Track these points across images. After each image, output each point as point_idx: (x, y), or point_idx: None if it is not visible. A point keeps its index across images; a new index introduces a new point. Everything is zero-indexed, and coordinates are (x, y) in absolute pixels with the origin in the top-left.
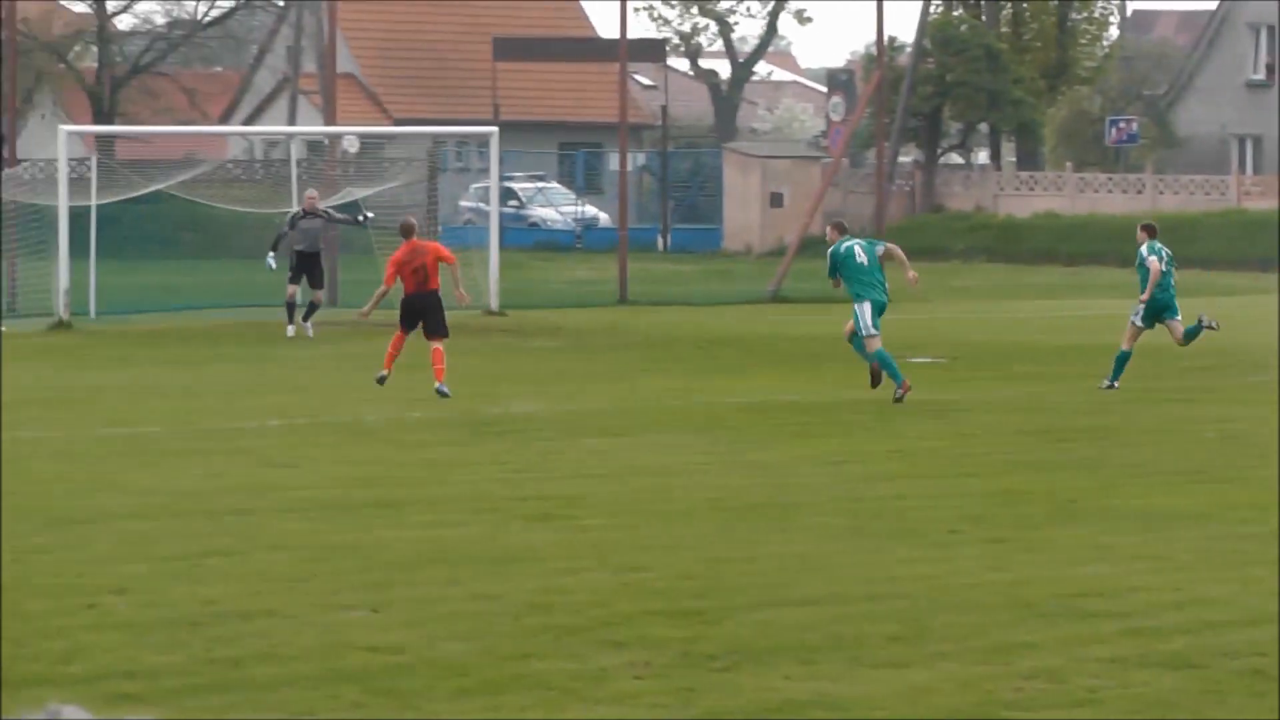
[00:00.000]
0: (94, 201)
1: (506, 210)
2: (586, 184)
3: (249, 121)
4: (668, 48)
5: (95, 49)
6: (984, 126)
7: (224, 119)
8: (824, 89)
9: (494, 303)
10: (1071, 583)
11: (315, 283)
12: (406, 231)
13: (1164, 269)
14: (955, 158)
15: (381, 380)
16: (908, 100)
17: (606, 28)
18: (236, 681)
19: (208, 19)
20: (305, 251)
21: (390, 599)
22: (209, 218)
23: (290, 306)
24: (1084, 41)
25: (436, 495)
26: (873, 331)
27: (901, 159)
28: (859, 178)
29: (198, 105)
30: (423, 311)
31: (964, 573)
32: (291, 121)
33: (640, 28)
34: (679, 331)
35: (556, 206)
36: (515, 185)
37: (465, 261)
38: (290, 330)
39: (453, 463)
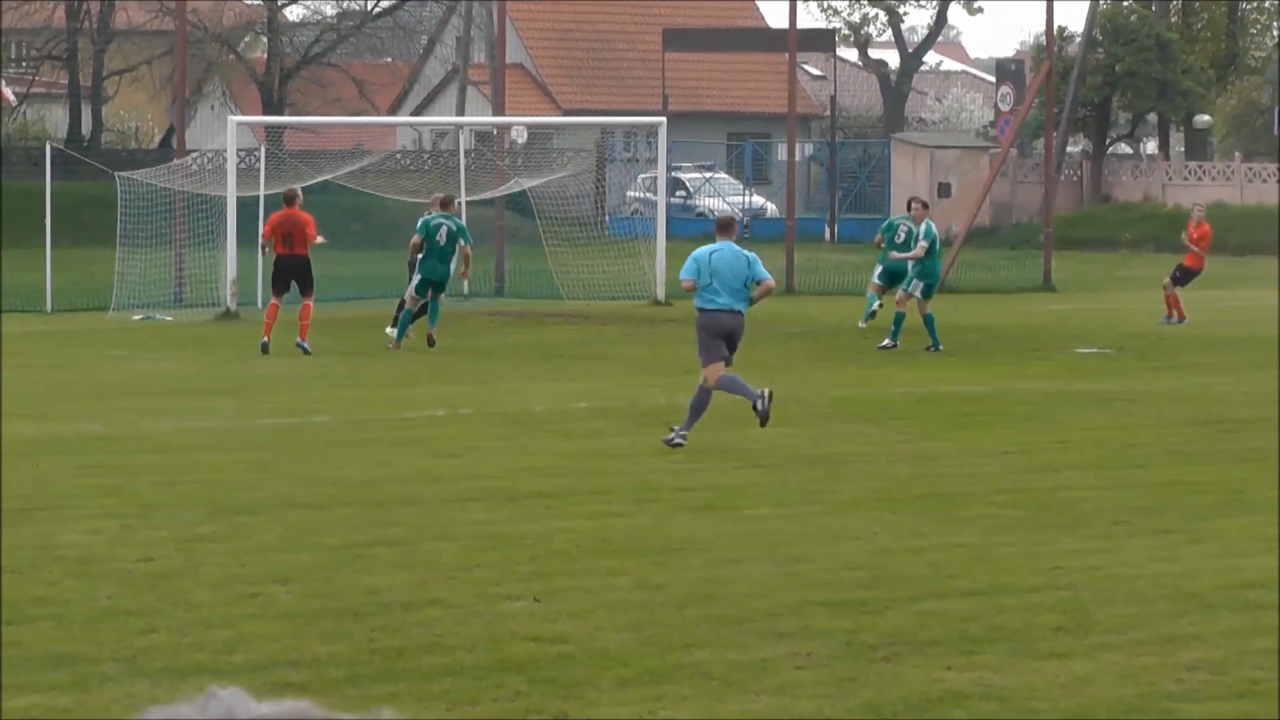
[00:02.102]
0: (262, 191)
1: (674, 201)
2: (754, 174)
3: (418, 112)
4: (837, 38)
5: (265, 40)
6: (1153, 116)
7: (393, 110)
8: (993, 79)
9: (660, 293)
10: (1237, 574)
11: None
12: (289, 199)
13: None
14: (1124, 148)
15: (264, 347)
16: (1076, 90)
17: (776, 18)
18: (400, 671)
19: (377, 10)
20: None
21: (554, 589)
22: (377, 208)
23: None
24: (1254, 31)
25: (601, 485)
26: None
27: (1070, 149)
28: (1027, 168)
29: (366, 96)
30: (291, 271)
31: (1129, 564)
32: (460, 112)
33: (810, 18)
34: (846, 321)
35: (724, 196)
36: (683, 175)
37: (632, 252)
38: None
39: (618, 453)
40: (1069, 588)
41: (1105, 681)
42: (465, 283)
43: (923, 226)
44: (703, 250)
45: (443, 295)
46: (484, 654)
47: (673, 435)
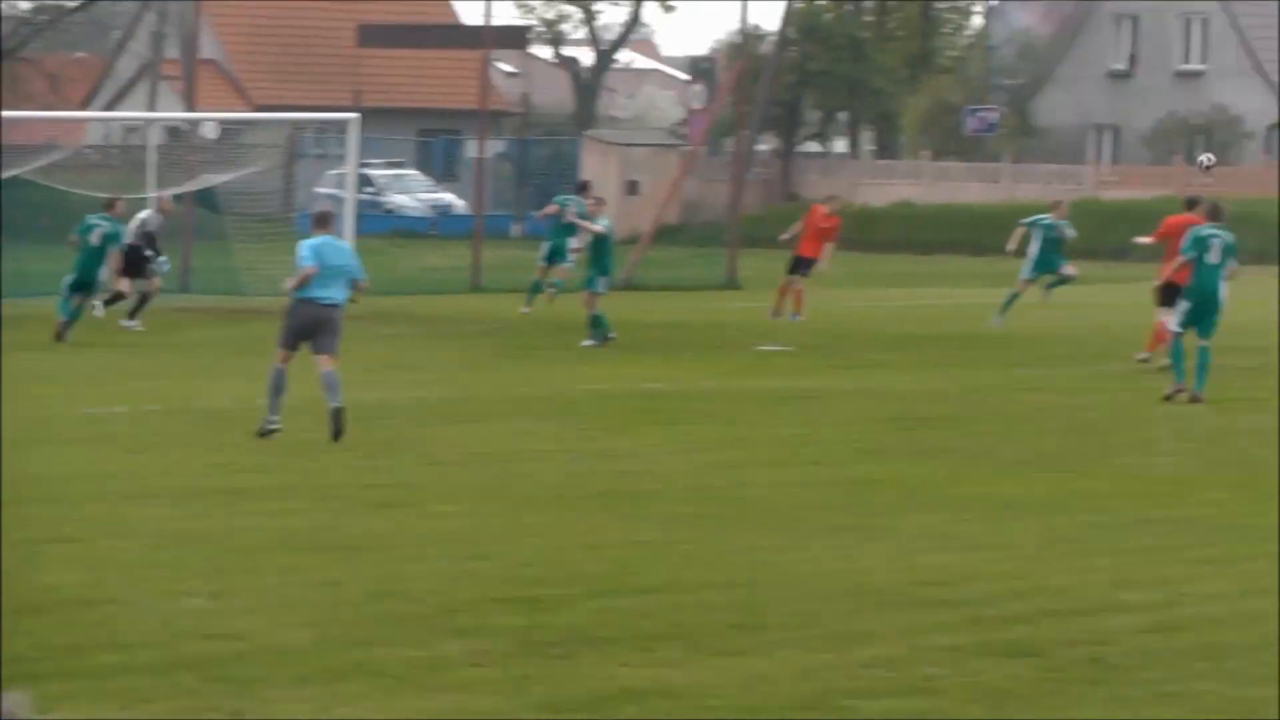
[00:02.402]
0: None
1: (363, 197)
2: (444, 171)
3: (110, 107)
4: (531, 35)
5: None
6: (844, 115)
7: (84, 105)
8: (686, 77)
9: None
10: (915, 572)
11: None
12: (106, 205)
13: None
14: (814, 146)
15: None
16: (768, 89)
17: (471, 14)
18: (76, 669)
19: (73, 3)
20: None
21: (232, 586)
22: (64, 203)
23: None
24: (947, 30)
25: (282, 483)
26: None
27: (760, 147)
28: (717, 166)
29: (59, 91)
30: None
31: (808, 561)
32: (152, 107)
33: (504, 14)
34: (531, 318)
35: (413, 193)
36: (372, 172)
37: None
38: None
39: (299, 450)
40: (746, 585)
41: (781, 678)
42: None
43: (602, 221)
44: (313, 241)
45: (92, 298)
46: (160, 651)
47: (264, 424)
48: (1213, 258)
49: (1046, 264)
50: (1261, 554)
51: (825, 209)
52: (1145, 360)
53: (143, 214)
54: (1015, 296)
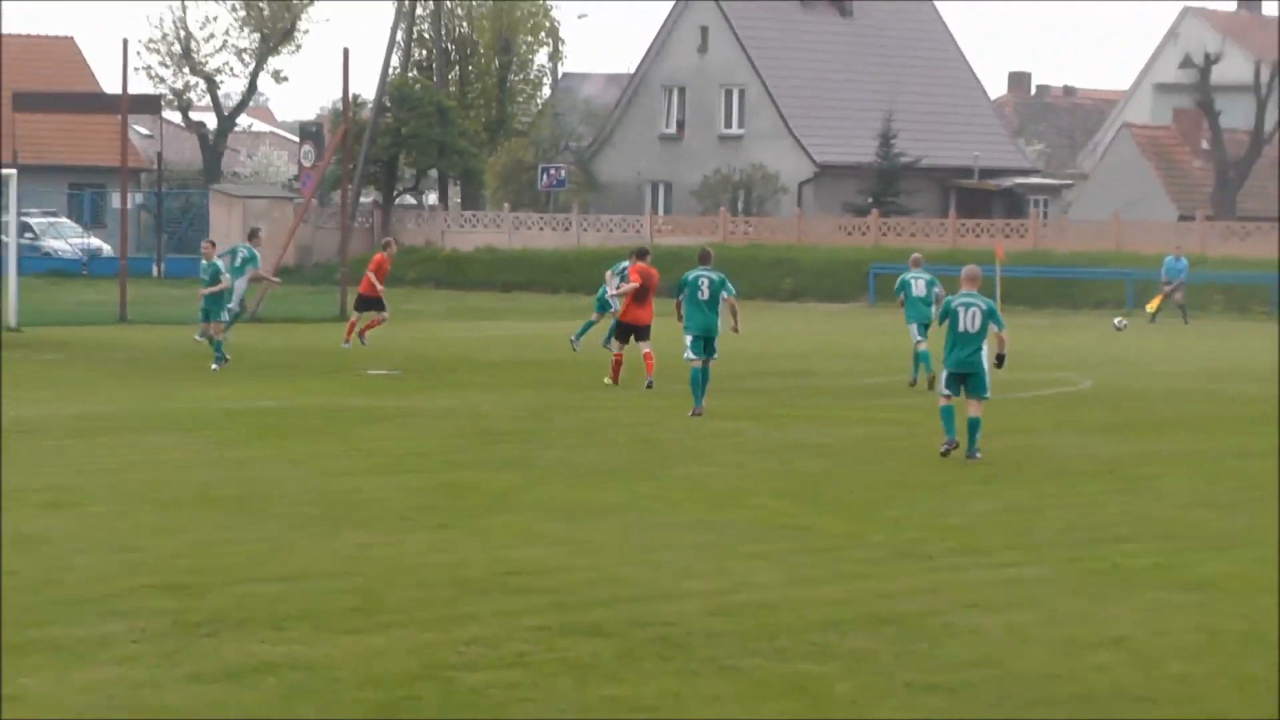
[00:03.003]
0: None
1: (23, 241)
2: (92, 219)
3: None
4: (163, 102)
5: None
6: (434, 172)
7: None
8: (297, 139)
9: (13, 320)
10: (506, 564)
11: None
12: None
13: None
14: (409, 199)
15: None
16: (368, 149)
17: (110, 84)
18: None
19: None
20: None
21: None
22: None
23: None
24: (520, 100)
25: None
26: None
27: (363, 200)
28: (326, 215)
29: None
30: None
31: (414, 554)
32: None
33: (139, 84)
34: (171, 345)
35: (66, 239)
36: (31, 220)
37: None
38: None
39: None
40: (362, 575)
41: (396, 654)
42: None
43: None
44: None
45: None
46: None
47: None
48: (703, 295)
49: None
50: (805, 549)
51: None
52: (649, 386)
53: None
54: (590, 324)
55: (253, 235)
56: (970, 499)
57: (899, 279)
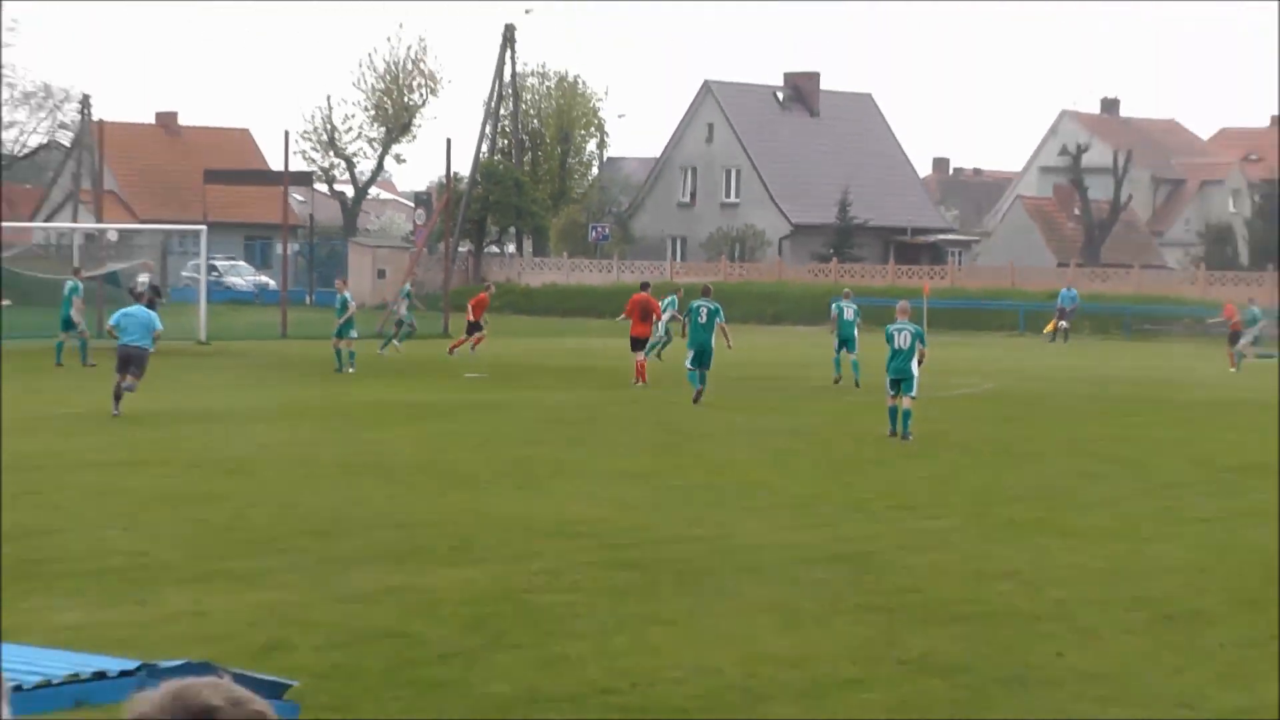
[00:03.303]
0: None
1: (210, 279)
2: (261, 262)
3: (47, 220)
4: (314, 177)
5: None
6: (513, 229)
7: (30, 218)
8: (412, 204)
9: (203, 336)
10: (565, 515)
11: None
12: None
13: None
14: (494, 248)
15: None
16: (464, 212)
17: (275, 162)
18: (40, 573)
19: (21, 154)
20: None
21: (139, 522)
22: (18, 279)
23: None
24: (576, 176)
25: (164, 457)
26: None
27: (460, 249)
28: (433, 261)
29: (13, 209)
30: None
31: (497, 508)
32: (74, 220)
33: (296, 163)
34: (319, 355)
35: (243, 276)
36: (216, 262)
37: (185, 311)
38: None
39: (178, 438)
40: (458, 523)
41: (483, 581)
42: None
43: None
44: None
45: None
46: (92, 562)
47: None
48: (702, 319)
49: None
50: (784, 505)
51: (484, 299)
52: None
53: (142, 276)
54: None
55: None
56: (904, 469)
57: (833, 304)
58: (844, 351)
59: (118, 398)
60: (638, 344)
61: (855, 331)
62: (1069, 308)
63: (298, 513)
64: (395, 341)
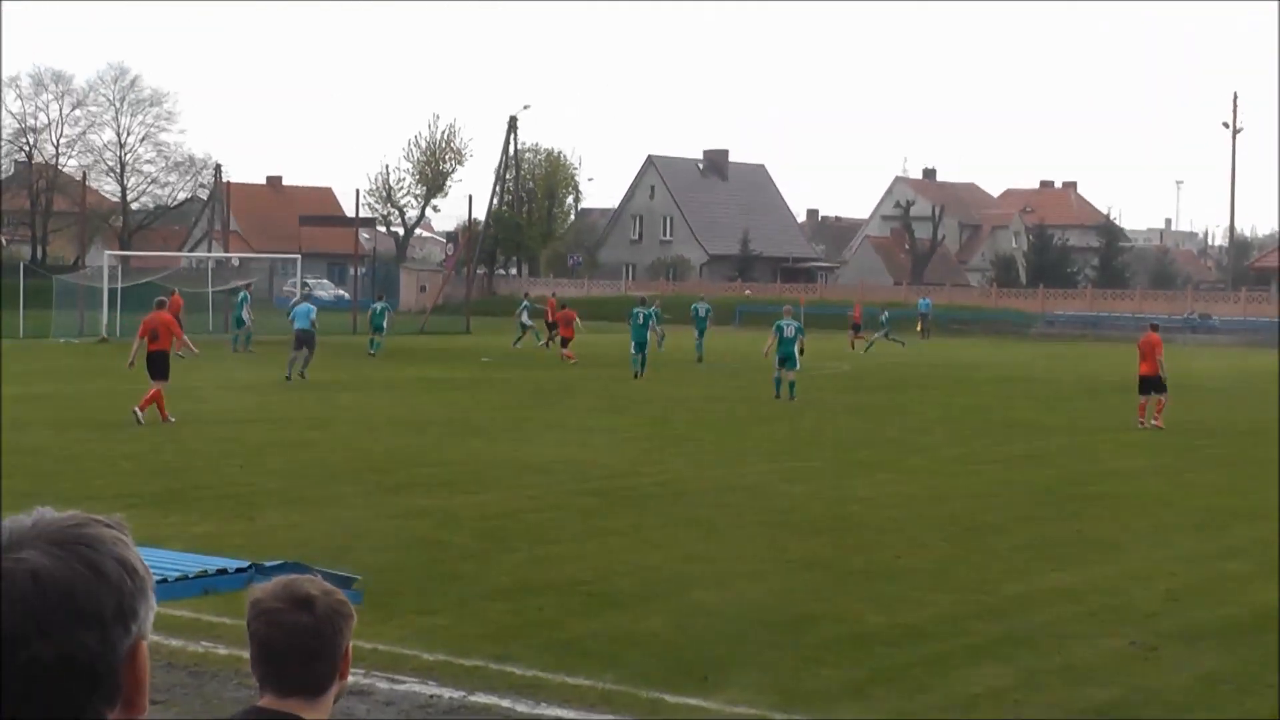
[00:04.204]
0: (119, 285)
1: (303, 291)
2: (338, 280)
3: (190, 250)
4: (376, 221)
5: (124, 216)
6: (515, 258)
7: (179, 249)
8: (444, 239)
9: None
10: (551, 458)
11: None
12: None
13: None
14: (502, 271)
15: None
16: (480, 245)
17: (349, 209)
18: (179, 499)
19: (174, 205)
20: None
21: (250, 461)
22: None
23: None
24: (559, 221)
25: (267, 416)
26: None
27: (478, 271)
28: (459, 279)
29: (167, 243)
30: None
31: (503, 451)
32: (209, 250)
33: (364, 211)
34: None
35: (326, 290)
36: (308, 280)
37: (280, 315)
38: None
39: (270, 403)
40: (475, 464)
41: (493, 505)
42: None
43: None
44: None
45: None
46: (217, 491)
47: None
48: (639, 320)
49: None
50: (709, 452)
51: (554, 302)
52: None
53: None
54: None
55: (379, 297)
56: (786, 425)
57: (775, 323)
58: (784, 370)
59: (302, 369)
60: (565, 342)
61: (796, 349)
62: (927, 313)
63: (361, 455)
64: (536, 341)
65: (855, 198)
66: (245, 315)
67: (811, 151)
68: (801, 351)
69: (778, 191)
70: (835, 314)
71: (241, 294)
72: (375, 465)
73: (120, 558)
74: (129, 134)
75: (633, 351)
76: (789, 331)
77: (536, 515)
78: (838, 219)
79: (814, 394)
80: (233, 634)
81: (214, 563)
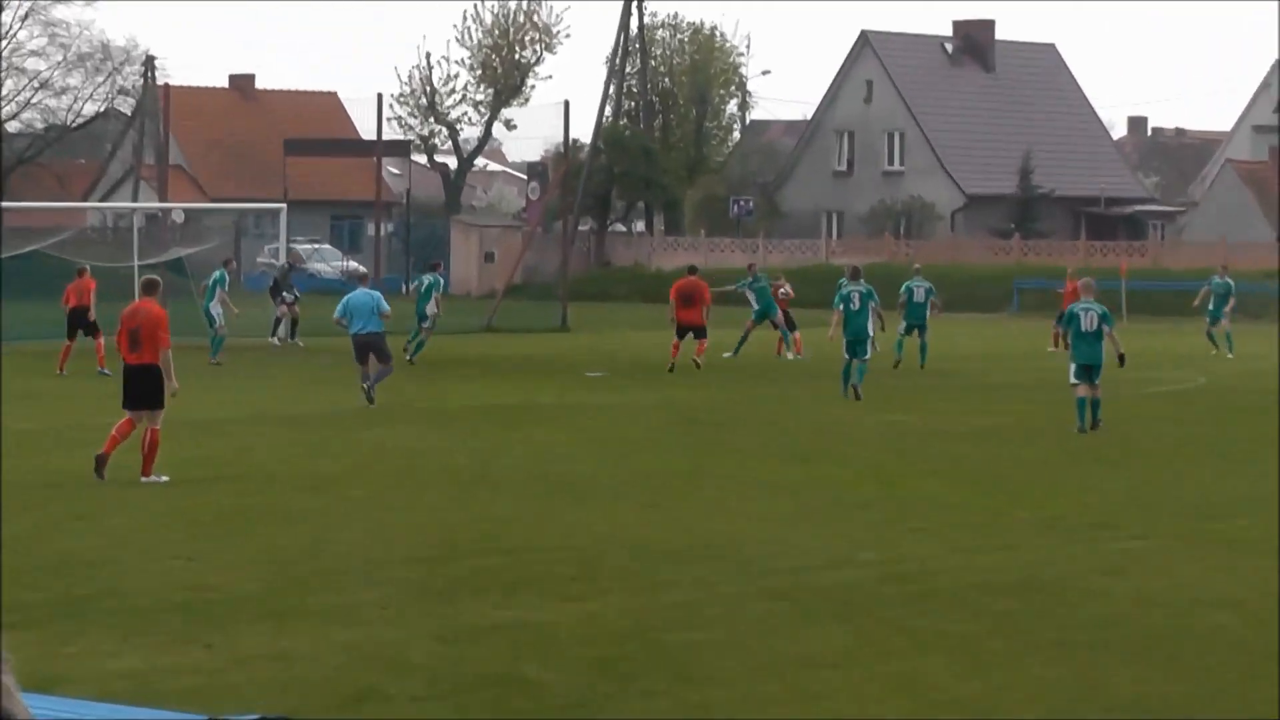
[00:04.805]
0: None
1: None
2: (350, 245)
3: (103, 199)
4: (411, 147)
5: None
6: (641, 204)
7: (84, 197)
8: (525, 176)
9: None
10: (700, 535)
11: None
12: (432, 266)
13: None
14: (620, 226)
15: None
16: (585, 185)
17: (367, 130)
18: (88, 611)
19: (75, 124)
20: None
21: (205, 550)
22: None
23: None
24: (714, 142)
25: (238, 472)
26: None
27: (581, 228)
28: (549, 241)
29: (66, 187)
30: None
31: (624, 526)
32: (134, 199)
33: (391, 132)
34: (425, 354)
35: (328, 261)
36: (298, 246)
37: (261, 303)
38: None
39: (249, 447)
40: (579, 546)
41: (609, 616)
42: None
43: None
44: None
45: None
46: (151, 598)
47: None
48: (854, 305)
49: (766, 311)
50: (963, 524)
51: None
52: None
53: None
54: (745, 337)
55: (434, 267)
56: (1099, 479)
57: (904, 284)
58: (915, 334)
59: (368, 390)
60: (682, 330)
61: (927, 314)
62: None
63: (391, 535)
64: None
65: (1209, 98)
66: (215, 311)
67: (1132, 23)
68: (1121, 360)
69: (1079, 89)
70: (1180, 290)
71: (216, 274)
72: (414, 552)
73: None
74: (1, 9)
75: (846, 355)
76: (918, 295)
77: (684, 635)
78: (1180, 133)
79: (1138, 425)
80: None
81: (149, 717)
